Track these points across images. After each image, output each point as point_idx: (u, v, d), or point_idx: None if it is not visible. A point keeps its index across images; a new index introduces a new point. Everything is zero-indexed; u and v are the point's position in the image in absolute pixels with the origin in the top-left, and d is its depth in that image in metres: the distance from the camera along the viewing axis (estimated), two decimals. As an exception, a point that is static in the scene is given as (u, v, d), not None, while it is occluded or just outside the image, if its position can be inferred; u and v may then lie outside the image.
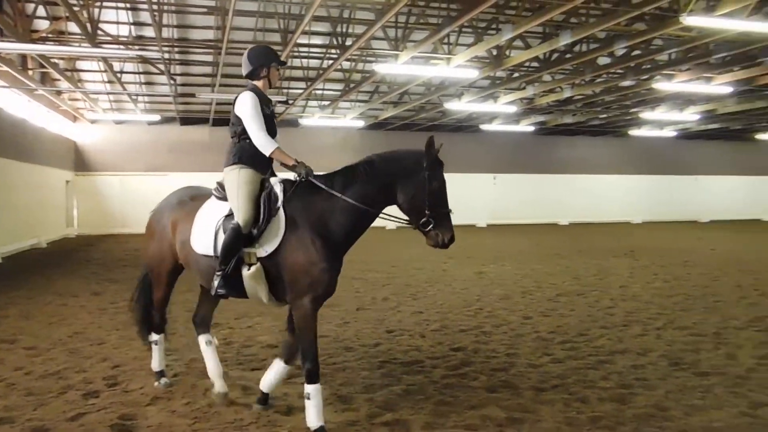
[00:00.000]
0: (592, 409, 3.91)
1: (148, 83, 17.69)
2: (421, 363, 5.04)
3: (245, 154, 3.78)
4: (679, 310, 7.14)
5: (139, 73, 16.68)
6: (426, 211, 3.56)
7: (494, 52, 12.97)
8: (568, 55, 13.46)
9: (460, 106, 18.15)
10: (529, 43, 13.00)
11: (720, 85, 15.01)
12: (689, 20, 8.87)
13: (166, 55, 12.97)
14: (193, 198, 4.14)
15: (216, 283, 3.66)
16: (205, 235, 3.81)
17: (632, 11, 9.26)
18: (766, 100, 17.57)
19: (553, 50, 13.16)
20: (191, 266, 3.99)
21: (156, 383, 4.36)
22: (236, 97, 3.85)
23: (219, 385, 4.01)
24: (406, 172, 3.62)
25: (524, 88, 16.66)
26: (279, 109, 20.79)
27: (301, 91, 17.29)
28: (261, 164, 3.81)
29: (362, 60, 15.01)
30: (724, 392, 4.23)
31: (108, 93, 17.28)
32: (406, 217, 3.71)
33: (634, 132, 25.08)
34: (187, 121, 21.49)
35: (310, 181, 3.67)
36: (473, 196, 26.11)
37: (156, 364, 4.42)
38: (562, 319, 6.71)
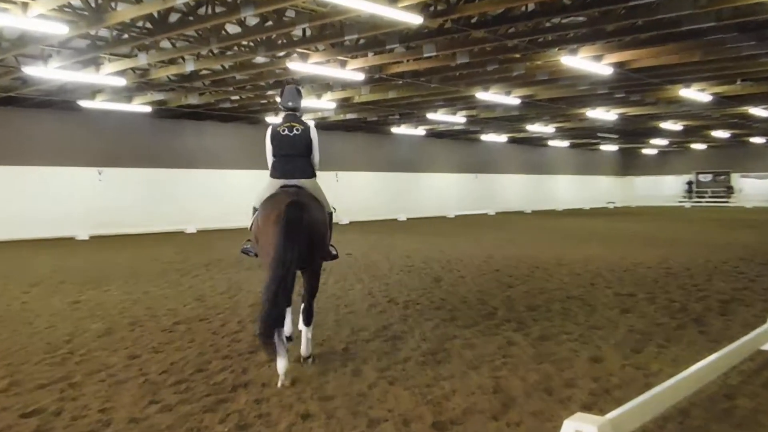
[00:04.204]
0: (203, 462, 4.10)
1: None
2: (-32, 445, 4.52)
3: None
4: (311, 326, 8.01)
5: None
6: None
7: (93, 4, 12.37)
8: (190, 18, 13.64)
9: (47, 73, 16.78)
10: (140, -3, 12.78)
11: (354, 71, 17.40)
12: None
13: None
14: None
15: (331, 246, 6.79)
16: None
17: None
18: (396, 90, 21.15)
19: (170, 9, 13.10)
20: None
21: None
22: (311, 126, 6.56)
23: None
24: None
25: (136, 56, 16.35)
26: None
27: None
28: None
29: None
30: (346, 414, 4.94)
31: None
32: None
33: (271, 119, 27.11)
34: None
35: None
36: (70, 198, 24.59)
37: None
38: (178, 353, 6.85)
